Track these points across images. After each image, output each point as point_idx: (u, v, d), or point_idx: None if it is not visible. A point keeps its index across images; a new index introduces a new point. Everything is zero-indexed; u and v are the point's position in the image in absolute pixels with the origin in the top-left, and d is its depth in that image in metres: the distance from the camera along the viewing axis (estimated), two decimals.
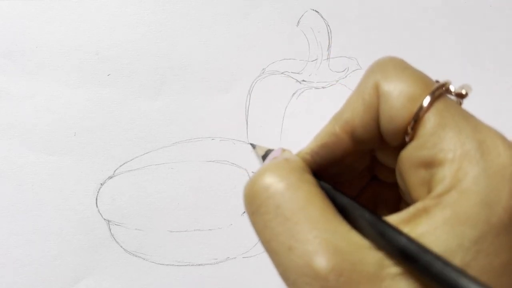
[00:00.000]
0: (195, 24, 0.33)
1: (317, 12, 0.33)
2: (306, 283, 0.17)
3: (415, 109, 0.19)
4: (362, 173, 0.25)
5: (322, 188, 0.21)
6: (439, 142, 0.18)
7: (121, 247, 0.32)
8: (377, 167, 0.24)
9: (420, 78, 0.20)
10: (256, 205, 0.20)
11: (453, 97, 0.21)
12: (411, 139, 0.19)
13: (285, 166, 0.20)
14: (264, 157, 0.29)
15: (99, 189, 0.32)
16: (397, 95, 0.19)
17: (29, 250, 0.32)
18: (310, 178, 0.20)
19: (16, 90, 0.32)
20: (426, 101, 0.19)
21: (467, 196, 0.17)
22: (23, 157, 0.32)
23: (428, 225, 0.17)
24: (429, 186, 0.19)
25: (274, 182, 0.19)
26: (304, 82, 0.33)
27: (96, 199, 0.32)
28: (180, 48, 0.33)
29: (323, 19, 0.33)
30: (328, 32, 0.33)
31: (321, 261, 0.17)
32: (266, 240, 0.19)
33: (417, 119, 0.19)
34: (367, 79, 0.21)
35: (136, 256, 0.32)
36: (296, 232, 0.18)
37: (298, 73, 0.33)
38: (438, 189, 0.18)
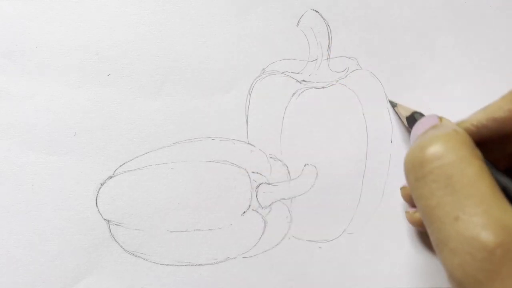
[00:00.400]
0: (195, 24, 0.33)
1: (317, 12, 0.33)
2: (468, 253, 0.18)
3: None
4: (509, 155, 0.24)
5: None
6: None
7: (121, 247, 0.32)
8: None
9: None
10: (424, 171, 0.20)
11: None
12: None
13: (456, 138, 0.20)
14: (409, 118, 0.29)
15: (99, 189, 0.32)
16: None
17: (29, 250, 0.32)
18: (480, 154, 0.20)
19: (16, 90, 0.32)
20: None
21: None
22: (23, 157, 0.32)
23: None
24: None
25: (446, 153, 0.19)
26: (304, 82, 0.33)
27: (96, 199, 0.32)
28: (180, 48, 0.33)
29: (323, 19, 0.33)
30: (328, 32, 0.33)
31: (489, 235, 0.17)
32: (431, 207, 0.19)
33: None
34: None
35: (136, 256, 0.32)
36: (465, 204, 0.18)
37: (298, 73, 0.33)
38: None
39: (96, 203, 0.32)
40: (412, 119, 0.30)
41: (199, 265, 0.32)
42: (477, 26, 0.34)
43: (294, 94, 0.33)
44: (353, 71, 0.33)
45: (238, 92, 0.33)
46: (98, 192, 0.32)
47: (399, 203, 0.33)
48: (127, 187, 0.32)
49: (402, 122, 0.31)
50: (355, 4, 0.33)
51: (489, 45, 0.34)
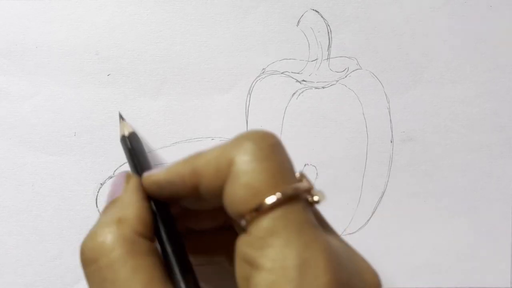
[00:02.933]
0: (195, 24, 0.33)
1: (317, 12, 0.33)
2: None
3: (254, 205, 0.18)
4: (219, 212, 0.24)
5: (163, 247, 0.21)
6: (265, 247, 0.18)
7: None
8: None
9: (275, 175, 0.19)
10: (86, 271, 0.20)
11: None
12: (246, 229, 0.19)
13: (115, 233, 0.20)
14: (128, 139, 0.28)
15: (99, 189, 0.32)
16: (243, 185, 0.19)
17: (29, 250, 0.32)
18: (140, 247, 0.20)
19: (16, 90, 0.32)
20: (270, 200, 0.18)
21: None
22: (23, 157, 0.32)
23: None
24: (248, 284, 0.18)
25: (102, 254, 0.20)
26: (304, 82, 0.33)
27: (96, 199, 0.32)
28: (180, 48, 0.33)
29: (323, 19, 0.33)
30: (328, 32, 0.33)
31: None
32: None
33: (254, 215, 0.18)
34: (229, 148, 0.20)
35: None
36: None
37: (298, 73, 0.33)
38: None
39: (96, 203, 0.32)
40: (124, 141, 0.28)
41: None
42: (477, 26, 0.34)
43: (294, 94, 0.33)
44: (353, 71, 0.33)
45: (238, 92, 0.33)
46: (98, 192, 0.32)
47: (399, 203, 0.33)
48: None
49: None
50: (355, 4, 0.33)
51: (489, 45, 0.34)
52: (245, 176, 0.19)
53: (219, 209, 0.24)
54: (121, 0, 0.32)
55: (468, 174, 0.34)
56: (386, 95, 0.34)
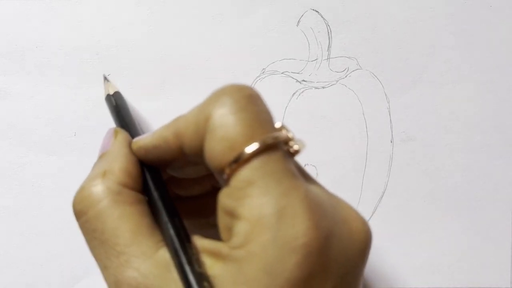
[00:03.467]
0: (195, 24, 0.33)
1: (317, 12, 0.33)
2: None
3: (232, 157, 0.18)
4: (206, 178, 0.25)
5: (150, 196, 0.21)
6: (243, 197, 0.18)
7: None
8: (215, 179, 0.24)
9: (252, 125, 0.19)
10: (79, 224, 0.21)
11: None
12: (227, 183, 0.19)
13: (100, 185, 0.21)
14: (107, 100, 0.28)
15: None
16: (220, 138, 0.19)
17: (29, 250, 0.32)
18: (125, 197, 0.21)
19: (16, 90, 0.32)
20: (248, 150, 0.18)
21: (253, 259, 0.17)
22: (23, 157, 0.32)
23: (220, 272, 0.18)
24: (230, 234, 0.19)
25: (89, 206, 0.20)
26: (304, 82, 0.33)
27: None
28: (180, 48, 0.33)
29: (323, 19, 0.33)
30: (328, 32, 0.33)
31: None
32: (92, 254, 0.21)
33: (234, 167, 0.18)
34: (205, 105, 0.20)
35: None
36: (110, 254, 0.20)
37: (298, 73, 0.33)
38: (233, 241, 0.18)
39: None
40: (109, 100, 0.29)
41: None
42: (477, 26, 0.34)
43: (294, 94, 0.33)
44: (353, 71, 0.33)
45: None
46: None
47: (399, 203, 0.33)
48: None
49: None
50: (355, 4, 0.33)
51: (489, 45, 0.34)
52: (222, 129, 0.19)
53: (205, 176, 0.24)
54: (121, 0, 0.32)
55: (468, 174, 0.34)
56: (386, 95, 0.34)
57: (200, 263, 0.19)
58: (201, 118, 0.20)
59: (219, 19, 0.33)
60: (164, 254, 0.19)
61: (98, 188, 0.21)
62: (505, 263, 0.34)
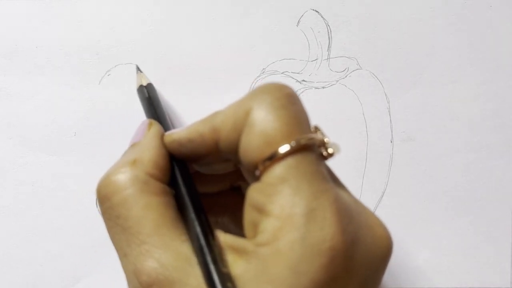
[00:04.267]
0: (195, 24, 0.33)
1: (317, 12, 0.33)
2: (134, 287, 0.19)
3: (268, 153, 0.19)
4: (227, 176, 0.25)
5: (177, 190, 0.21)
6: (274, 194, 0.18)
7: None
8: (240, 178, 0.24)
9: (291, 123, 0.19)
10: (102, 209, 0.21)
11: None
12: (259, 179, 0.19)
13: (129, 173, 0.21)
14: (140, 91, 0.28)
15: None
16: (258, 133, 0.19)
17: (29, 250, 0.32)
18: (152, 187, 0.21)
19: (16, 90, 0.32)
20: (283, 149, 0.18)
21: (279, 257, 0.17)
22: (23, 157, 0.32)
23: (243, 269, 0.18)
24: (255, 230, 0.19)
25: (115, 192, 0.20)
26: (304, 82, 0.33)
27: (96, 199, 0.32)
28: (180, 48, 0.33)
29: (323, 19, 0.33)
30: (328, 32, 0.33)
31: (144, 277, 0.19)
32: (112, 240, 0.21)
33: (268, 164, 0.19)
34: (246, 100, 0.20)
35: None
36: (132, 242, 0.19)
37: (298, 73, 0.33)
38: (259, 238, 0.18)
39: (96, 203, 0.32)
40: (141, 91, 0.29)
41: None
42: (477, 26, 0.34)
43: None
44: (353, 71, 0.33)
45: (238, 92, 0.33)
46: None
47: (399, 204, 0.33)
48: None
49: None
50: (355, 4, 0.33)
51: (489, 45, 0.34)
52: (260, 125, 0.19)
53: (227, 174, 0.24)
54: (121, 0, 0.32)
55: (468, 174, 0.34)
56: (386, 95, 0.34)
57: (224, 262, 0.19)
58: (240, 113, 0.20)
59: (219, 19, 0.33)
60: (186, 248, 0.19)
61: (126, 175, 0.20)
62: (505, 263, 0.34)
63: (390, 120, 0.34)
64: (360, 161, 0.33)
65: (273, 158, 0.18)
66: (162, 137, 0.23)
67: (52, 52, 0.32)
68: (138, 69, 0.31)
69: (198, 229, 0.20)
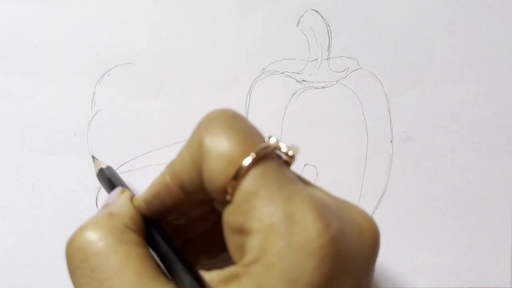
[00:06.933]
0: (195, 24, 0.33)
1: (317, 12, 0.33)
2: None
3: (232, 173, 0.18)
4: (206, 215, 0.24)
5: (152, 242, 0.21)
6: (250, 210, 0.18)
7: None
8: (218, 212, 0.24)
9: (244, 138, 0.19)
10: (73, 266, 0.19)
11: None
12: (230, 200, 0.19)
13: (105, 224, 0.20)
14: (100, 174, 0.29)
15: (99, 189, 0.32)
16: (217, 156, 0.19)
17: (29, 250, 0.32)
18: (131, 238, 0.20)
19: (16, 90, 0.32)
20: (246, 162, 0.18)
21: (271, 270, 0.17)
22: (23, 157, 0.32)
23: None
24: (242, 252, 0.18)
25: (91, 243, 0.19)
26: (304, 82, 0.33)
27: (96, 199, 0.32)
28: (180, 48, 0.33)
29: (323, 19, 0.33)
30: (328, 32, 0.33)
31: None
32: None
33: (234, 184, 0.18)
34: (195, 134, 0.20)
35: None
36: None
37: (298, 73, 0.33)
38: (247, 257, 0.18)
39: (96, 203, 0.32)
40: (101, 175, 0.29)
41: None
42: (477, 26, 0.34)
43: (294, 94, 0.33)
44: (353, 71, 0.33)
45: (238, 92, 0.33)
46: (98, 192, 0.32)
47: (399, 204, 0.33)
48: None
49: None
50: (355, 4, 0.33)
51: (489, 45, 0.34)
52: (216, 149, 0.19)
53: (207, 213, 0.24)
54: (121, 0, 0.32)
55: (468, 174, 0.34)
56: (386, 95, 0.34)
57: None
58: (194, 147, 0.20)
59: (219, 19, 0.33)
60: None
61: (103, 226, 0.20)
62: (505, 263, 0.34)
63: (390, 120, 0.34)
64: (360, 161, 0.33)
65: (238, 175, 0.18)
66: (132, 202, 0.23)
67: (52, 52, 0.32)
68: (93, 157, 0.32)
69: (188, 277, 0.19)
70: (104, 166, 0.30)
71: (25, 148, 0.32)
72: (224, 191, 0.19)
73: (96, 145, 0.32)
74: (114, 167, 0.32)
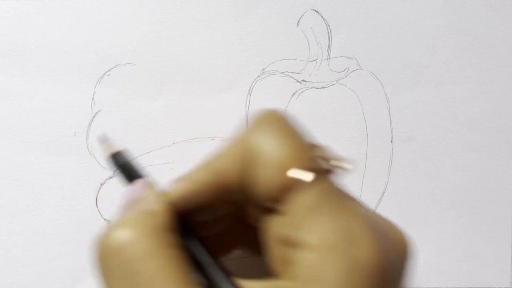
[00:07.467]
0: (195, 24, 0.33)
1: (317, 12, 0.33)
2: None
3: (289, 183, 0.18)
4: (224, 216, 0.23)
5: (186, 245, 0.20)
6: (307, 225, 0.17)
7: None
8: (243, 212, 0.23)
9: (299, 148, 0.18)
10: (109, 267, 0.18)
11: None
12: (277, 211, 0.18)
13: (146, 224, 0.18)
14: (114, 157, 0.25)
15: (99, 189, 0.32)
16: (272, 162, 0.18)
17: (29, 250, 0.32)
18: (171, 240, 0.19)
19: (16, 90, 0.32)
20: (307, 177, 0.18)
21: (322, 287, 0.17)
22: (23, 157, 0.32)
23: None
24: (288, 265, 0.18)
25: (131, 245, 0.18)
26: (304, 82, 0.33)
27: (96, 199, 0.32)
28: (180, 48, 0.33)
29: (323, 19, 0.33)
30: (328, 32, 0.33)
31: None
32: None
33: (289, 195, 0.18)
34: (244, 135, 0.19)
35: None
36: None
37: (298, 73, 0.33)
38: (297, 272, 0.17)
39: (96, 203, 0.32)
40: (115, 159, 0.25)
41: None
42: (477, 26, 0.34)
43: (294, 94, 0.33)
44: (353, 71, 0.33)
45: (238, 92, 0.33)
46: (98, 192, 0.32)
47: (399, 204, 0.33)
48: None
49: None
50: (355, 4, 0.33)
51: (489, 45, 0.34)
52: (271, 154, 0.18)
53: (227, 214, 0.23)
54: (121, 0, 0.32)
55: (468, 174, 0.34)
56: (386, 95, 0.34)
57: None
58: (242, 149, 0.19)
59: (219, 19, 0.33)
60: None
61: (141, 226, 0.18)
62: (505, 263, 0.34)
63: (390, 120, 0.34)
64: (360, 161, 0.33)
65: (296, 186, 0.18)
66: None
67: (52, 52, 0.32)
68: (103, 139, 0.27)
69: (225, 283, 0.18)
70: (119, 149, 0.26)
71: (25, 148, 0.32)
72: (275, 199, 0.18)
73: (96, 145, 0.32)
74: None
